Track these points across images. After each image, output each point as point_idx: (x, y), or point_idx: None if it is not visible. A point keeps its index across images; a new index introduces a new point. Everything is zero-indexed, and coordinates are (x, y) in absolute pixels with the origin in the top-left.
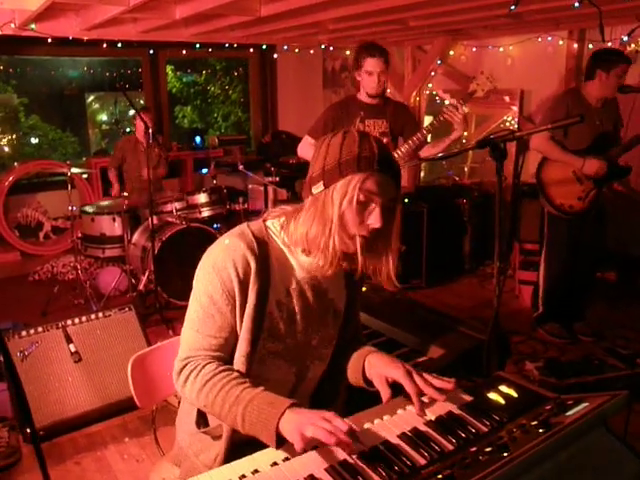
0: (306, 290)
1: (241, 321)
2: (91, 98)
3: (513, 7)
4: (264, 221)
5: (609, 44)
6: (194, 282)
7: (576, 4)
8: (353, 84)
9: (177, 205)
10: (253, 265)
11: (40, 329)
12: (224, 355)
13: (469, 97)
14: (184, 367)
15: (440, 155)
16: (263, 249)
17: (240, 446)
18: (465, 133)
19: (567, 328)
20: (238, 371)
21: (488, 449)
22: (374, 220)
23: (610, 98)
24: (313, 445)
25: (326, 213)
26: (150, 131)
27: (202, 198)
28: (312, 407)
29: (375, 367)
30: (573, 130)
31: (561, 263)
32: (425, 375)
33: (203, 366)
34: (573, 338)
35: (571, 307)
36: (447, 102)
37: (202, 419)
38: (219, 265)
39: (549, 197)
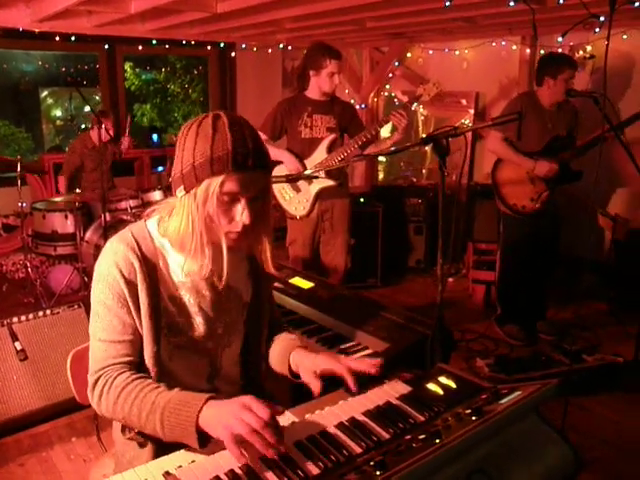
0: (197, 282)
1: (140, 321)
2: (45, 93)
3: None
4: (145, 221)
5: (560, 50)
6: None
7: (511, 3)
8: (299, 81)
9: (131, 203)
10: (137, 265)
11: None
12: (134, 359)
13: (416, 100)
14: (96, 382)
15: (393, 149)
16: (145, 248)
17: (170, 449)
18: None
19: (527, 329)
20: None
21: (422, 437)
22: (243, 218)
23: (563, 102)
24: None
25: (192, 218)
26: (103, 139)
27: (157, 196)
28: (242, 392)
29: (302, 364)
30: (526, 132)
31: (516, 263)
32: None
33: (115, 377)
34: (531, 340)
35: (530, 307)
36: (397, 104)
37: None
38: (104, 272)
39: (503, 197)
